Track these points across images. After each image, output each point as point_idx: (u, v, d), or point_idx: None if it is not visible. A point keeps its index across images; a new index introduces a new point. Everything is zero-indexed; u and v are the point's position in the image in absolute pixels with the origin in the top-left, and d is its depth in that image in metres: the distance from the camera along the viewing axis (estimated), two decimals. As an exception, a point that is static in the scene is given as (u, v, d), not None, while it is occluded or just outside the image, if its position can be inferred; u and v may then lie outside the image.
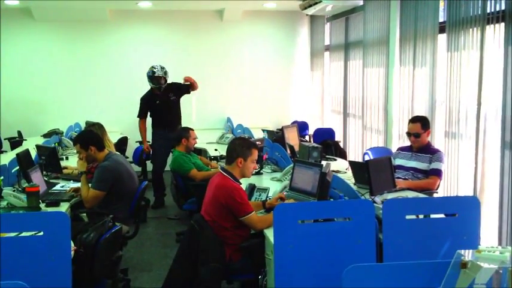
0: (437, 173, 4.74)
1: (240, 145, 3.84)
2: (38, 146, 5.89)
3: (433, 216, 3.16)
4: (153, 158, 7.63)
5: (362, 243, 2.95)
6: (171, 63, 7.48)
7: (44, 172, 5.14)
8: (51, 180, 5.13)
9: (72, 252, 2.99)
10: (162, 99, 7.32)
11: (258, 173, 5.42)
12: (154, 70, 7.30)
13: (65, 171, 5.53)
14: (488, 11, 4.80)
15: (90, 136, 4.71)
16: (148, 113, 7.48)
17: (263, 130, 7.87)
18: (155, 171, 7.47)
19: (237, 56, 10.11)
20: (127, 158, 6.11)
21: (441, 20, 5.68)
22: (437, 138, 5.70)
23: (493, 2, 4.77)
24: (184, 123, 7.15)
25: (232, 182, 3.68)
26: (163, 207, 7.39)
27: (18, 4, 8.75)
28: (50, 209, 4.09)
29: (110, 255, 3.71)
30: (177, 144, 5.88)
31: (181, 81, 7.53)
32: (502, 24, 4.61)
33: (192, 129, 6.04)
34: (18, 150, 6.18)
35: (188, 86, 7.52)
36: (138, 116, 7.48)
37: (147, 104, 7.43)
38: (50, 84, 9.58)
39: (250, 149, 3.82)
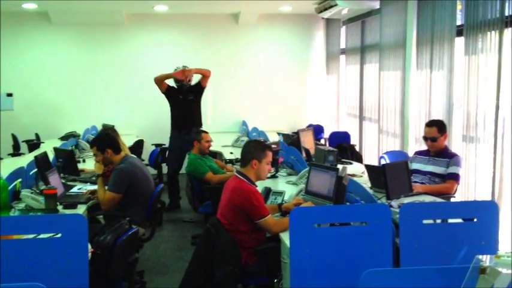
0: (455, 177, 4.69)
1: (254, 147, 3.84)
2: (55, 149, 5.95)
3: (450, 221, 3.13)
4: (168, 160, 7.65)
5: (378, 247, 2.93)
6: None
7: (62, 174, 5.19)
8: (68, 183, 5.17)
9: (89, 254, 3.01)
10: (183, 97, 7.34)
11: (274, 177, 5.41)
12: (177, 68, 7.32)
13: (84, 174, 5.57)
14: (506, 14, 4.76)
15: (107, 139, 4.75)
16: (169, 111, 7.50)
17: (278, 133, 7.87)
18: (169, 174, 7.48)
19: (253, 59, 10.13)
20: (143, 160, 6.17)
21: (458, 23, 5.64)
22: (454, 142, 5.65)
23: (511, 5, 4.72)
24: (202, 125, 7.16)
25: (249, 184, 3.69)
26: (178, 209, 7.42)
27: (36, 8, 8.86)
28: (67, 211, 4.12)
29: (127, 257, 3.73)
30: (191, 147, 5.92)
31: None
32: (521, 28, 4.57)
33: (206, 132, 6.05)
34: (36, 152, 6.25)
35: (199, 83, 7.46)
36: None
37: (171, 89, 7.39)
38: (67, 87, 9.67)
39: (265, 150, 3.82)
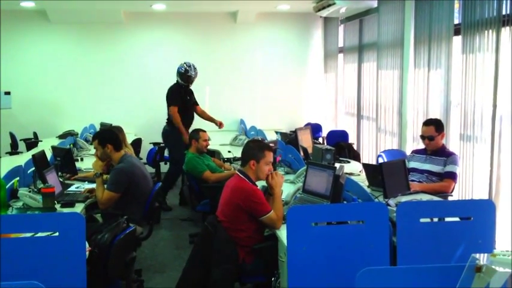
0: (452, 176, 4.70)
1: (253, 147, 3.85)
2: (53, 147, 5.94)
3: (447, 219, 3.14)
4: (173, 157, 7.46)
5: (375, 246, 2.94)
6: (185, 65, 7.50)
7: (59, 173, 5.19)
8: (66, 181, 5.17)
9: (87, 253, 3.02)
10: (185, 97, 7.36)
11: (271, 175, 5.41)
12: (188, 69, 7.27)
13: (80, 174, 5.55)
14: (503, 12, 4.77)
15: (109, 135, 4.76)
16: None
17: (276, 132, 7.88)
18: (176, 171, 7.26)
19: (251, 57, 10.13)
20: (141, 159, 6.15)
21: (456, 22, 5.65)
22: (452, 141, 5.67)
23: (508, 3, 4.73)
24: (198, 124, 7.16)
25: (249, 184, 3.70)
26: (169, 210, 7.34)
27: (34, 6, 8.85)
28: (65, 210, 4.12)
29: (124, 256, 3.73)
30: (189, 146, 5.92)
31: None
32: (518, 26, 4.57)
33: (203, 131, 6.04)
34: (34, 151, 6.24)
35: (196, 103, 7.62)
36: (171, 104, 7.24)
37: (178, 93, 7.32)
38: (65, 85, 9.66)
39: (263, 151, 3.82)
